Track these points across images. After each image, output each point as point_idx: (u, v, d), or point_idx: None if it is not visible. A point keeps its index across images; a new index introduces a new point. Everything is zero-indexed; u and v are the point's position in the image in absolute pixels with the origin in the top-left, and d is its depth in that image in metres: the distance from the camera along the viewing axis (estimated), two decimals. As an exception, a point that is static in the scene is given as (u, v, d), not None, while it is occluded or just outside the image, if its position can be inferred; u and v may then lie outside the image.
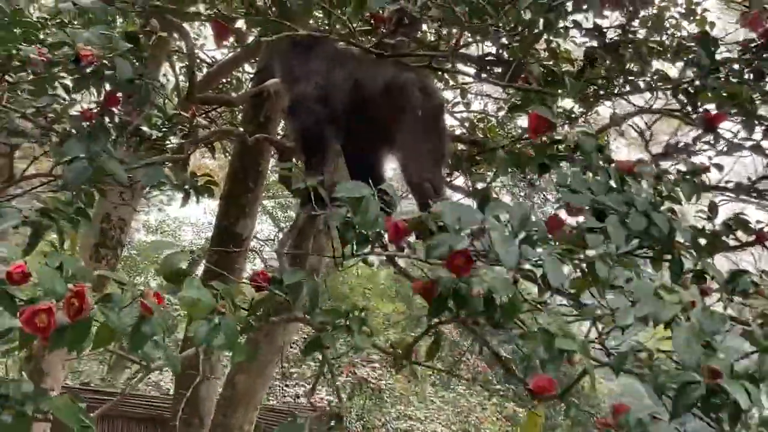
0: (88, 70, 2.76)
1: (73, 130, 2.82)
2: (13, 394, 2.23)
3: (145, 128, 2.84)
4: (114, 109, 2.96)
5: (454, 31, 4.42)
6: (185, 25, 5.14)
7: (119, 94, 2.96)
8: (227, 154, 8.04)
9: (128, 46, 2.85)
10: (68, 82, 3.09)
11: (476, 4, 3.39)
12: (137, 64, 2.95)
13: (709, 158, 3.32)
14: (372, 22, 3.75)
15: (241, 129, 5.72)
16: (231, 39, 4.65)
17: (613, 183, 2.60)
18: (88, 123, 2.83)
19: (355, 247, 2.61)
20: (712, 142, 3.76)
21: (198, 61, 7.50)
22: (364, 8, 3.26)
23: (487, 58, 3.89)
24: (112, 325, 2.28)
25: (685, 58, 3.80)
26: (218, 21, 3.75)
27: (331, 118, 3.28)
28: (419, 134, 3.13)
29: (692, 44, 3.83)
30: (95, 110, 2.93)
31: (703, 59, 3.46)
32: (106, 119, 2.91)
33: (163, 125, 3.35)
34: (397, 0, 3.33)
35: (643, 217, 2.49)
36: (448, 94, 6.18)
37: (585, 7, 3.44)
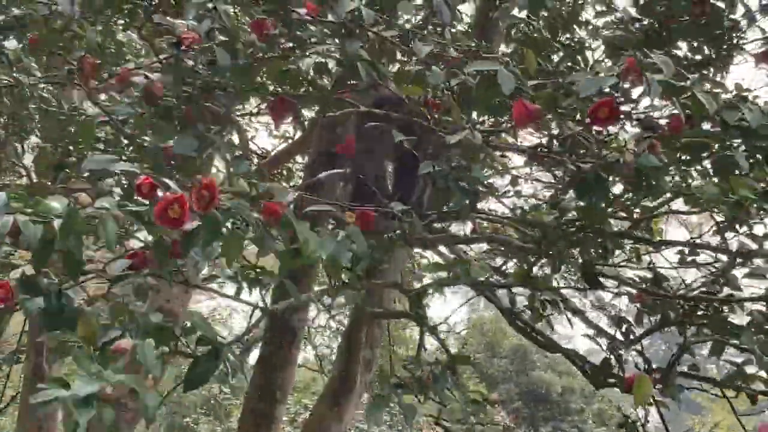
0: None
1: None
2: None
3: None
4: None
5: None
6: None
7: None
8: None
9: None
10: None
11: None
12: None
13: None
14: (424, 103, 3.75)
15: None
16: (289, 119, 4.68)
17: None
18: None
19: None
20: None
21: (250, 153, 7.58)
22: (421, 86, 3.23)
23: (539, 149, 3.88)
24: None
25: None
26: (281, 98, 3.78)
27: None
28: None
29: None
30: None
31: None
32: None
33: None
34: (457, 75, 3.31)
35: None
36: (497, 181, 6.17)
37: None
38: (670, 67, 2.63)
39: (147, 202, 2.29)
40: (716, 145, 2.65)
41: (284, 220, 2.39)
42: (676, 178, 2.93)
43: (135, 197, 2.31)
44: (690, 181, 2.83)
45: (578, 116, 2.85)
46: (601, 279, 3.59)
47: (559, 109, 2.69)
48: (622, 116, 2.73)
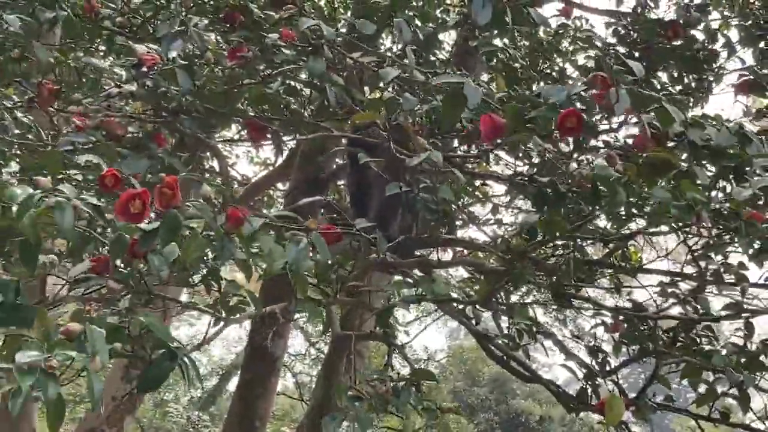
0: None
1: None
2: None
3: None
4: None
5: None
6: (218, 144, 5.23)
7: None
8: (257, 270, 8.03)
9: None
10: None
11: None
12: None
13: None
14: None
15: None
16: (266, 143, 4.69)
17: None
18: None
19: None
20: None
21: (230, 179, 7.59)
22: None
23: (517, 178, 3.90)
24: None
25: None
26: (252, 121, 3.79)
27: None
28: None
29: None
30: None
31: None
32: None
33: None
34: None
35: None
36: (478, 209, 6.20)
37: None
38: (641, 71, 2.65)
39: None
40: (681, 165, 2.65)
41: (247, 234, 2.39)
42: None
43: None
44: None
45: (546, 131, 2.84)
46: (577, 301, 3.60)
47: (526, 122, 2.69)
48: (589, 129, 2.73)
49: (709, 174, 2.71)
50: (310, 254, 2.51)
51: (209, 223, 2.31)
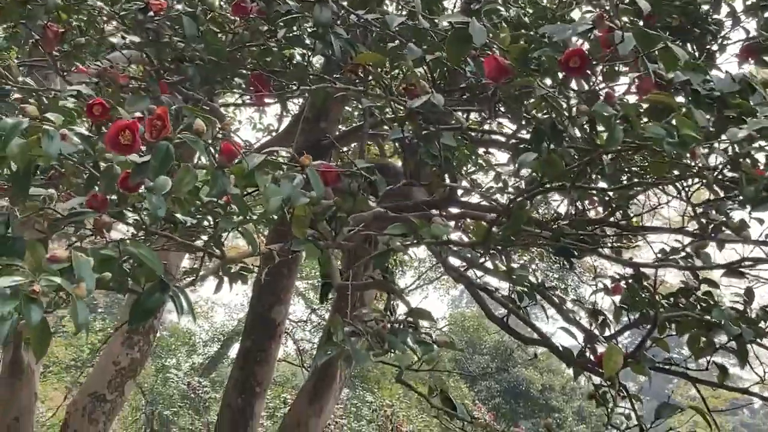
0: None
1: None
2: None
3: (178, 215, 2.82)
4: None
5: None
6: (221, 109, 5.20)
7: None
8: (261, 237, 8.05)
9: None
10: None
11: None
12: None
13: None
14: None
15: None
16: (271, 98, 4.67)
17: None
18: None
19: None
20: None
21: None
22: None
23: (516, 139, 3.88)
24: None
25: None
26: (258, 74, 3.76)
27: None
28: None
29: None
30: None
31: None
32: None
33: (197, 211, 3.35)
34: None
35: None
36: (481, 177, 6.18)
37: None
38: (647, 7, 2.63)
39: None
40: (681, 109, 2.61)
41: (243, 172, 2.37)
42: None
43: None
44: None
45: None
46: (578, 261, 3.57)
47: (531, 64, 2.67)
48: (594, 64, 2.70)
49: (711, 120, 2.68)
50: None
51: (201, 154, 2.29)
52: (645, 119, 2.62)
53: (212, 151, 2.38)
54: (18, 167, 2.09)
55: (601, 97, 2.59)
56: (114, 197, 2.45)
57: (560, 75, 2.70)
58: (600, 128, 2.66)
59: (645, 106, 2.65)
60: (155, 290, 2.30)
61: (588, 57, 2.55)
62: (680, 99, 2.71)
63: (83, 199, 2.38)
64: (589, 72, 2.67)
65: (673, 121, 2.44)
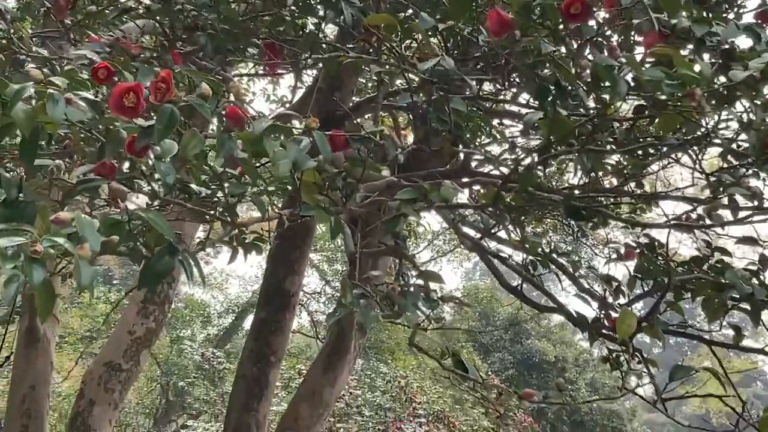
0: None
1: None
2: None
3: (193, 185, 2.83)
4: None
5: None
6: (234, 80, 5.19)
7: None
8: (275, 208, 8.05)
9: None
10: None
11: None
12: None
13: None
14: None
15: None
16: (283, 68, 4.67)
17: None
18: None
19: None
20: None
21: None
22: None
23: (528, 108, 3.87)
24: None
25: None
26: (270, 43, 3.76)
27: None
28: None
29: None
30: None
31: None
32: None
33: (211, 182, 3.36)
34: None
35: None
36: (496, 150, 6.19)
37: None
38: None
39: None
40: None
41: (252, 137, 2.37)
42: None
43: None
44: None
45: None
46: (589, 226, 3.56)
47: (533, 15, 2.66)
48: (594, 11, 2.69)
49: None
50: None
51: (207, 117, 2.29)
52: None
53: (219, 116, 2.38)
54: (24, 134, 2.09)
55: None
56: (126, 166, 2.46)
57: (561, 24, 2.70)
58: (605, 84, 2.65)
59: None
60: (164, 254, 2.30)
61: (589, 4, 2.55)
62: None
63: (92, 167, 2.39)
64: (590, 19, 2.66)
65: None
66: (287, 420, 5.24)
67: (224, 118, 2.37)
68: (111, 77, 2.31)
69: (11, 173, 2.29)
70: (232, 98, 2.42)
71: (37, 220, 2.00)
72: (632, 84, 2.62)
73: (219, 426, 12.90)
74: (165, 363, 17.18)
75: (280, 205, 4.56)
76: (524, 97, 4.36)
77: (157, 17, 3.48)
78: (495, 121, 5.84)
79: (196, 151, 2.28)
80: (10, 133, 2.16)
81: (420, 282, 3.09)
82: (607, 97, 2.67)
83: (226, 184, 2.69)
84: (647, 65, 2.63)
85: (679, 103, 2.58)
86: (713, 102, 2.60)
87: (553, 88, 2.70)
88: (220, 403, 14.82)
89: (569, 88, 2.70)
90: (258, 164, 2.60)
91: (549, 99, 2.70)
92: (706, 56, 2.71)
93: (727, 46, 2.64)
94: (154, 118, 2.21)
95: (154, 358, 15.72)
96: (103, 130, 2.38)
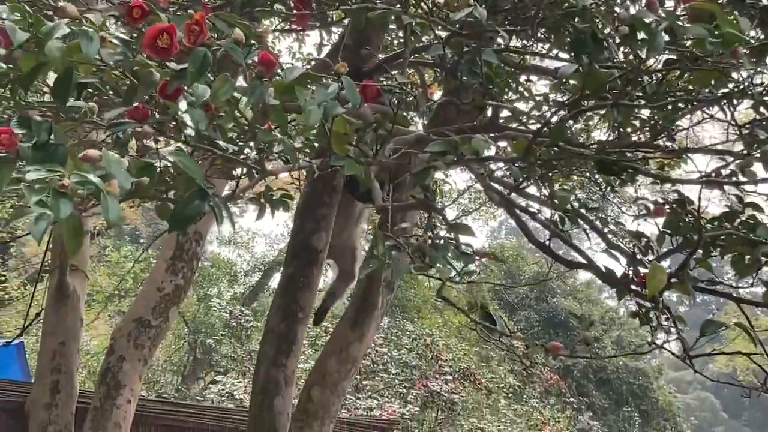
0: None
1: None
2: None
3: (220, 142, 2.83)
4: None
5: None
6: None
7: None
8: (305, 158, 8.03)
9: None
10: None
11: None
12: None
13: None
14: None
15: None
16: (311, 20, 4.68)
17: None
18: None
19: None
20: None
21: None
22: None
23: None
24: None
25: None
26: None
27: None
28: None
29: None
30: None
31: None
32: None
33: (239, 138, 3.36)
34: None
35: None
36: (521, 106, 6.14)
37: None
38: None
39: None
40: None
41: (283, 86, 2.36)
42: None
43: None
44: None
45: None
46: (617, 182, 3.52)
47: None
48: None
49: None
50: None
51: (240, 61, 2.28)
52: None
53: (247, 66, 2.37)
54: (59, 73, 2.09)
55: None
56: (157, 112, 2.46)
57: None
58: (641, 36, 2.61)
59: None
60: (195, 197, 2.29)
61: None
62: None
63: (123, 110, 2.39)
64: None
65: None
66: (315, 376, 5.27)
67: (256, 65, 2.36)
68: (145, 17, 2.30)
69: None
70: (263, 45, 2.41)
71: (68, 162, 2.00)
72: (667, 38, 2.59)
73: (247, 382, 13.02)
74: (192, 321, 17.34)
75: (308, 159, 4.57)
76: (552, 52, 4.33)
77: None
78: (522, 78, 5.80)
79: (227, 96, 2.27)
80: (44, 71, 2.16)
81: (449, 235, 3.08)
82: (643, 51, 2.64)
83: (255, 132, 2.68)
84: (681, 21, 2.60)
85: (717, 59, 2.55)
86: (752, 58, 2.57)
87: (588, 40, 2.67)
88: (247, 360, 14.96)
89: (605, 40, 2.67)
90: (289, 121, 2.60)
91: (585, 52, 2.67)
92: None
93: (766, 2, 2.61)
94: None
95: (182, 316, 15.87)
96: (136, 72, 2.38)
